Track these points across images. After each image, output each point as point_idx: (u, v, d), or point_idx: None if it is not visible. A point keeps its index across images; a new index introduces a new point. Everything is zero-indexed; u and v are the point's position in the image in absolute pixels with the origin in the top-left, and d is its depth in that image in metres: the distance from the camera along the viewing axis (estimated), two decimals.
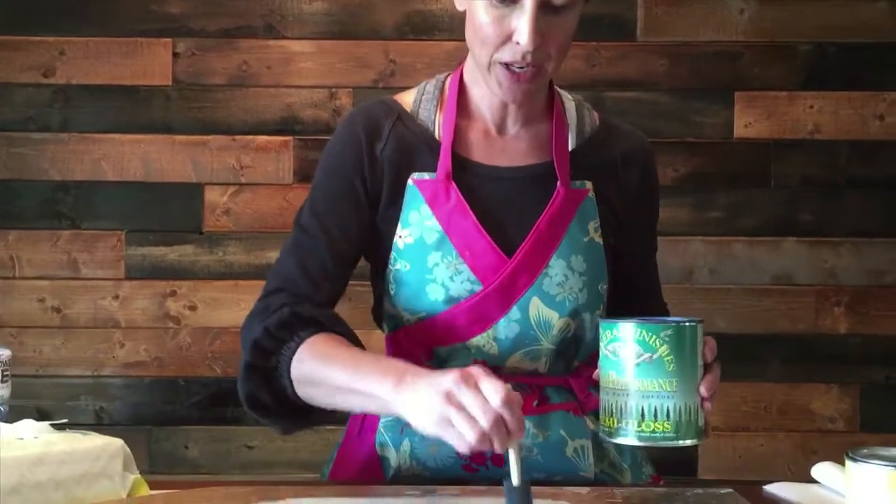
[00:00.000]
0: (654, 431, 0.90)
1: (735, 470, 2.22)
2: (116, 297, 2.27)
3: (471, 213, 1.14)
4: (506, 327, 1.13)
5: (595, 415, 1.19)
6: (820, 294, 2.28)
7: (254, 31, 2.26)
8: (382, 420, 1.18)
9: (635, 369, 0.90)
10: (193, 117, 2.28)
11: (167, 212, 2.27)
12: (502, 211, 1.16)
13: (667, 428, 0.90)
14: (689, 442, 0.92)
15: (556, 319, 1.14)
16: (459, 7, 1.14)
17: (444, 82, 1.22)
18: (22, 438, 1.01)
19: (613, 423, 0.92)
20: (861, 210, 2.29)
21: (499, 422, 0.84)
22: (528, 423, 1.12)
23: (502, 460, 1.11)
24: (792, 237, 2.29)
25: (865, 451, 0.82)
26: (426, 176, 1.16)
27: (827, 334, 2.27)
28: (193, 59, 2.27)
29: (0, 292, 2.25)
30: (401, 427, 1.15)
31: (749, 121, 2.28)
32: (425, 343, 1.16)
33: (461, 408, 0.86)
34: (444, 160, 1.15)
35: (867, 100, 2.28)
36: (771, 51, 2.27)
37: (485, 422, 0.84)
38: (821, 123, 2.29)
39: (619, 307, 1.22)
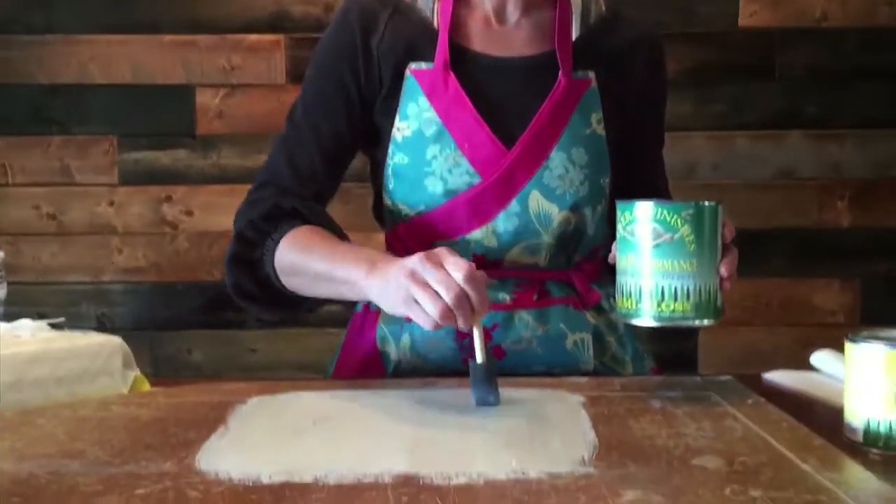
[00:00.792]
0: (673, 311, 0.90)
1: (735, 364, 2.24)
2: (112, 203, 2.25)
3: (469, 103, 1.11)
4: (505, 221, 1.12)
5: (596, 310, 1.19)
6: (823, 188, 2.26)
7: None
8: (382, 315, 1.18)
9: (655, 250, 0.89)
10: (181, 16, 2.22)
11: (158, 115, 2.23)
12: (502, 102, 1.13)
13: (686, 308, 0.90)
14: (706, 322, 0.91)
15: (556, 213, 1.12)
16: None
17: None
18: (19, 336, 1.01)
19: (631, 304, 0.92)
20: (868, 101, 2.25)
21: (462, 297, 0.85)
22: (527, 316, 1.12)
23: (502, 353, 1.12)
24: (796, 130, 2.25)
25: (866, 332, 0.82)
26: (424, 66, 1.13)
27: (829, 228, 2.26)
28: None
29: None
30: (400, 321, 1.15)
31: (755, 9, 2.21)
32: (424, 238, 1.15)
33: (425, 285, 0.86)
34: (442, 49, 1.12)
35: None
36: None
37: (448, 297, 0.84)
38: (829, 10, 2.22)
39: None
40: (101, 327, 2.22)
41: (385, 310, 0.94)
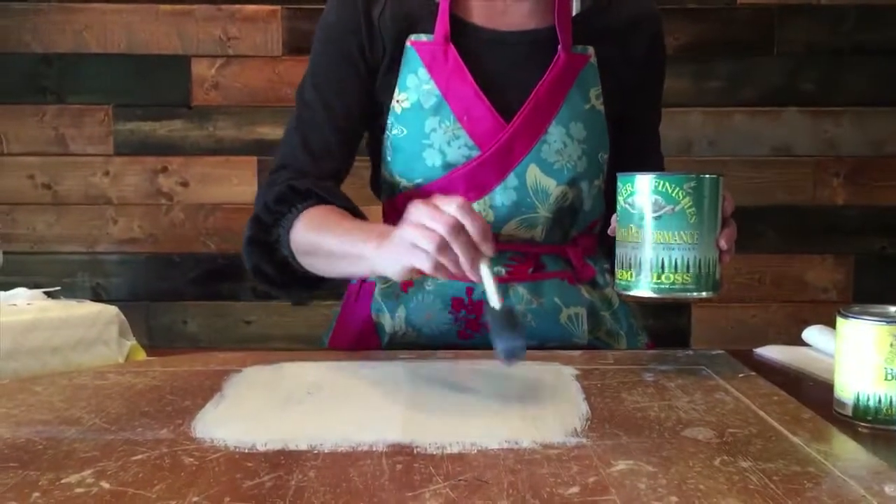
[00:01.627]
0: (673, 283, 0.90)
1: (727, 340, 2.26)
2: (107, 173, 2.25)
3: (469, 76, 1.10)
4: (502, 194, 1.12)
5: (591, 285, 1.19)
6: (819, 165, 2.27)
7: None
8: (378, 287, 1.19)
9: (656, 221, 0.89)
10: None
11: (154, 85, 2.22)
12: (502, 76, 1.13)
13: (686, 280, 0.90)
14: (705, 294, 0.92)
15: (553, 187, 1.12)
16: None
17: None
18: (15, 305, 1.02)
19: (631, 275, 0.92)
20: (865, 78, 2.25)
21: (457, 227, 0.81)
22: (522, 290, 1.13)
23: None
24: (793, 107, 2.25)
25: (857, 308, 0.82)
26: (424, 38, 1.12)
27: (824, 205, 2.27)
28: None
29: None
30: (396, 293, 1.16)
31: None
32: None
33: (420, 225, 0.83)
34: (442, 21, 1.11)
35: None
36: None
37: (441, 227, 0.81)
38: None
39: None
40: (97, 298, 2.22)
41: (392, 276, 0.90)
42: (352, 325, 1.22)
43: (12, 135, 2.23)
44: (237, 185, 2.25)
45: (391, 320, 1.16)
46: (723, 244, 0.92)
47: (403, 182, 1.15)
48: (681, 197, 0.89)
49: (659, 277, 0.90)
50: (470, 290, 1.12)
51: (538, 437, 0.72)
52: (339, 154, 1.17)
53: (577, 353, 1.04)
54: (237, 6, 2.21)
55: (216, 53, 2.22)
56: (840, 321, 0.82)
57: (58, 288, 1.12)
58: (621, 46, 1.18)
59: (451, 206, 0.83)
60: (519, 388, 0.88)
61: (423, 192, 1.13)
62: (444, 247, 0.82)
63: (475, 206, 1.12)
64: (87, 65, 2.22)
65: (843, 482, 0.63)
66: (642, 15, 1.20)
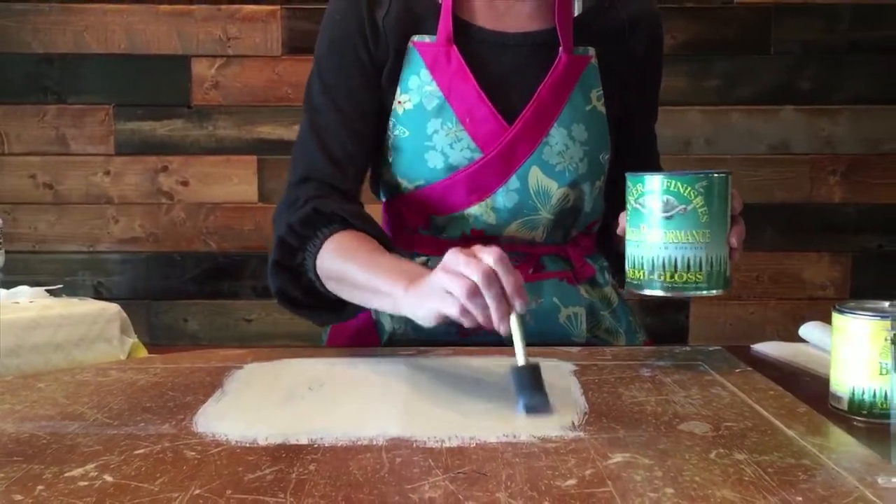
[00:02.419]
0: (686, 282, 0.91)
1: (726, 338, 2.27)
2: (108, 172, 2.26)
3: (472, 78, 1.10)
4: (504, 196, 1.12)
5: (590, 284, 1.20)
6: (816, 163, 2.28)
7: None
8: None
9: (668, 221, 0.90)
10: None
11: (154, 85, 2.23)
12: (504, 77, 1.13)
13: (699, 278, 0.91)
14: (715, 291, 0.92)
15: (555, 189, 1.13)
16: None
17: None
18: (18, 303, 1.02)
19: (643, 275, 0.92)
20: (861, 76, 2.26)
21: (490, 276, 0.79)
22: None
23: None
24: (790, 105, 2.26)
25: (853, 304, 0.83)
26: (427, 39, 1.12)
27: (821, 203, 2.28)
28: None
29: None
30: None
31: None
32: (423, 211, 1.15)
33: (454, 271, 0.82)
34: (445, 22, 1.12)
35: None
36: None
37: (475, 274, 0.79)
38: None
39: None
40: (98, 296, 2.23)
41: (419, 321, 0.87)
42: (351, 323, 1.23)
43: (13, 135, 2.24)
44: (237, 184, 2.26)
45: (391, 319, 1.17)
46: (733, 242, 0.92)
47: (405, 183, 1.15)
48: (692, 196, 0.89)
49: (672, 277, 0.91)
50: None
51: (536, 430, 0.73)
52: (358, 156, 1.15)
53: (575, 349, 1.05)
54: (237, 6, 2.21)
55: (216, 53, 2.23)
56: (836, 316, 0.83)
57: (60, 286, 1.12)
58: (622, 46, 1.18)
59: (489, 257, 0.81)
60: None
61: (424, 194, 1.14)
62: (474, 293, 0.79)
63: (477, 208, 1.13)
64: (88, 65, 2.22)
65: (837, 474, 0.64)
66: (642, 14, 1.21)
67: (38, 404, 0.83)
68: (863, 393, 0.80)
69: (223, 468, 0.65)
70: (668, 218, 0.90)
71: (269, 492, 0.61)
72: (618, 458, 0.67)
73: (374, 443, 0.71)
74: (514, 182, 1.12)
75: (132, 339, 1.07)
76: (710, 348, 1.04)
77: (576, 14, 1.16)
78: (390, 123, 1.14)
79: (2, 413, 0.80)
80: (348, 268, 1.01)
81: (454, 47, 1.11)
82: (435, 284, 0.83)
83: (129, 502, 0.59)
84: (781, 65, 2.25)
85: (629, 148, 1.24)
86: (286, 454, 0.68)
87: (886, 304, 0.83)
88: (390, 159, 1.15)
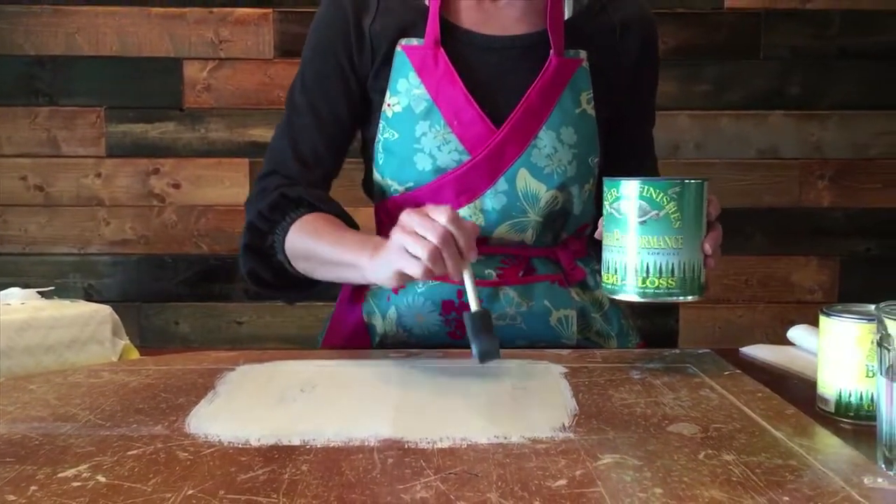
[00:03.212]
0: (658, 288, 0.91)
1: (715, 341, 2.28)
2: (99, 174, 2.25)
3: (459, 81, 1.11)
4: (493, 199, 1.13)
5: (581, 287, 1.20)
6: (805, 167, 2.29)
7: None
8: (370, 289, 1.20)
9: (642, 226, 0.90)
10: None
11: (146, 88, 2.23)
12: (492, 80, 1.13)
13: (671, 284, 0.91)
14: (690, 298, 0.93)
15: (543, 192, 1.13)
16: None
17: None
18: (9, 304, 1.02)
19: (616, 279, 0.93)
20: (850, 82, 2.28)
21: (448, 238, 0.87)
22: (512, 293, 1.14)
23: None
24: (779, 110, 2.28)
25: (839, 307, 0.84)
26: (415, 42, 1.13)
27: (810, 207, 2.30)
28: None
29: None
30: (387, 295, 1.17)
31: None
32: None
33: (413, 233, 0.88)
34: (433, 26, 1.12)
35: None
36: None
37: (434, 237, 0.87)
38: None
39: None
40: (89, 299, 2.22)
41: (383, 282, 0.96)
42: (344, 326, 1.23)
43: (4, 137, 2.24)
44: (229, 186, 2.26)
45: (382, 322, 1.18)
46: (707, 248, 0.93)
47: (395, 185, 1.16)
48: (665, 202, 0.89)
49: (644, 282, 0.91)
50: (460, 293, 1.13)
51: (527, 432, 0.73)
52: (327, 159, 1.19)
53: (566, 351, 1.06)
54: (229, 9, 2.22)
55: (208, 56, 2.23)
56: (823, 320, 0.84)
57: (51, 288, 1.12)
58: (614, 50, 1.18)
59: (442, 217, 0.88)
60: (508, 385, 0.89)
61: (413, 196, 1.14)
62: (436, 256, 0.87)
63: (465, 210, 1.13)
64: (80, 67, 2.22)
65: (824, 474, 0.65)
66: (635, 18, 1.20)
67: (29, 406, 0.83)
68: (850, 395, 0.81)
69: (216, 469, 0.66)
70: (641, 223, 0.90)
71: (262, 492, 0.61)
72: (607, 458, 0.68)
73: (366, 444, 0.71)
74: (502, 184, 1.12)
75: (124, 341, 1.07)
76: (700, 351, 1.05)
77: (566, 17, 1.17)
78: (380, 126, 1.15)
79: None
80: (316, 246, 1.08)
81: (441, 50, 1.12)
82: (396, 245, 0.90)
83: (123, 503, 0.60)
84: (771, 70, 2.26)
85: (624, 152, 1.24)
86: (279, 455, 0.69)
87: (873, 307, 0.84)
88: (380, 162, 1.16)
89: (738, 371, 0.96)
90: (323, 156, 1.18)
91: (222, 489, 0.62)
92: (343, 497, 0.60)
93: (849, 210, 2.30)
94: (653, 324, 2.29)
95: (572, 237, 1.20)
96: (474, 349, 0.88)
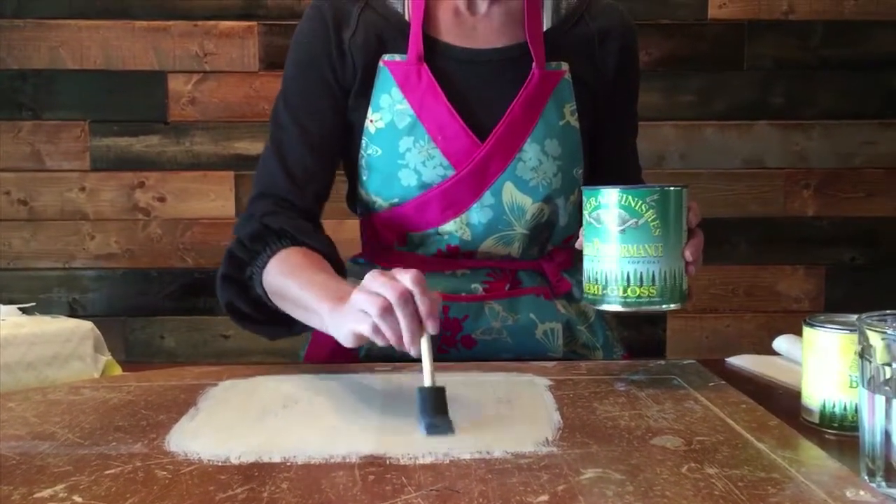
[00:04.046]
0: (639, 297, 0.90)
1: (702, 351, 2.28)
2: (83, 188, 2.24)
3: (443, 95, 1.11)
4: (479, 213, 1.12)
5: (567, 299, 1.20)
6: (789, 177, 2.30)
7: None
8: None
9: (621, 235, 0.90)
10: (152, 1, 2.21)
11: (130, 101, 2.22)
12: (475, 94, 1.13)
13: (652, 293, 0.90)
14: (672, 306, 0.92)
15: (529, 205, 1.13)
16: None
17: None
18: None
19: (598, 289, 0.92)
20: (833, 92, 2.29)
21: (405, 296, 0.79)
22: (498, 306, 1.14)
23: (473, 342, 1.13)
24: (763, 120, 2.29)
25: (822, 317, 0.84)
26: (397, 57, 1.13)
27: (795, 217, 2.31)
28: None
29: None
30: None
31: (724, 1, 2.24)
32: (398, 229, 1.15)
33: (372, 292, 0.81)
34: (415, 41, 1.12)
35: None
36: None
37: (391, 295, 0.79)
38: (795, 3, 2.26)
39: None
40: (73, 313, 2.22)
41: (341, 341, 0.87)
42: (328, 339, 1.22)
43: None
44: (214, 199, 2.25)
45: None
46: (688, 255, 0.92)
47: (379, 201, 1.15)
48: (644, 210, 0.89)
49: (625, 291, 0.91)
50: (446, 309, 1.12)
51: (510, 446, 0.73)
52: (318, 175, 1.16)
53: (550, 364, 1.05)
54: (213, 22, 2.21)
55: (193, 69, 2.22)
56: (806, 330, 0.84)
57: (32, 304, 1.11)
58: (593, 59, 1.18)
59: (405, 278, 0.81)
60: (492, 400, 0.88)
61: (399, 212, 1.14)
62: (387, 312, 0.80)
63: (451, 224, 1.13)
64: (63, 81, 2.22)
65: (807, 487, 0.64)
66: (613, 26, 1.20)
67: (8, 424, 0.82)
68: (833, 406, 0.81)
69: (194, 488, 0.65)
70: (620, 232, 0.90)
71: None
72: (590, 473, 0.67)
73: (348, 460, 0.70)
74: (487, 198, 1.12)
75: (106, 357, 1.06)
76: (685, 362, 1.05)
77: (545, 28, 1.17)
78: (363, 142, 1.14)
79: None
80: (288, 284, 1.02)
81: (425, 65, 1.11)
82: (353, 305, 0.83)
83: None
84: (755, 80, 2.28)
85: (608, 161, 1.24)
86: (259, 473, 0.68)
87: (855, 317, 0.84)
88: (364, 178, 1.15)
89: (723, 382, 0.95)
90: (313, 172, 1.15)
91: None
92: None
93: (834, 219, 2.31)
94: (640, 334, 2.29)
95: (558, 248, 1.20)
96: (421, 423, 0.79)
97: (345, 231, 1.25)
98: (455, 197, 1.12)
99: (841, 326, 0.81)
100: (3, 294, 2.18)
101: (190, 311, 2.27)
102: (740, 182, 2.28)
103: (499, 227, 1.13)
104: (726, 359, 1.12)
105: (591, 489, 0.64)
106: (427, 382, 0.81)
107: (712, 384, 0.95)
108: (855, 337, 0.79)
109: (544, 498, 0.62)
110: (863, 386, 0.68)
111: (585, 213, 0.94)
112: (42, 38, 2.20)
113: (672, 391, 0.92)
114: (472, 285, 1.14)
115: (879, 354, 0.66)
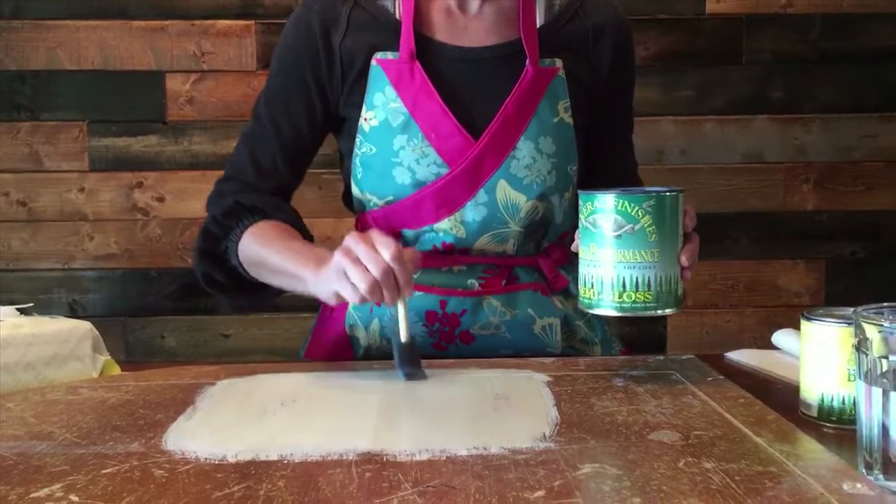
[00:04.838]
0: (634, 302, 0.90)
1: (703, 346, 2.28)
2: (82, 189, 2.24)
3: (436, 94, 1.11)
4: (473, 210, 1.12)
5: (564, 294, 1.20)
6: (789, 171, 2.30)
7: None
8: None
9: (617, 240, 0.89)
10: (150, 1, 2.21)
11: (128, 101, 2.22)
12: (469, 92, 1.13)
13: (647, 298, 0.90)
14: (668, 311, 0.92)
15: (523, 202, 1.13)
16: None
17: None
18: None
19: (593, 294, 0.92)
20: (832, 86, 2.29)
21: (389, 273, 0.91)
22: (495, 302, 1.14)
23: (470, 338, 1.13)
24: (763, 115, 2.28)
25: (821, 311, 0.84)
26: (390, 55, 1.12)
27: (795, 211, 2.30)
28: None
29: None
30: (370, 307, 1.16)
31: None
32: (393, 226, 1.15)
33: (356, 261, 0.91)
34: (407, 39, 1.12)
35: None
36: None
37: (376, 271, 0.90)
38: None
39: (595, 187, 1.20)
40: (74, 314, 2.22)
41: (324, 299, 0.98)
42: (326, 338, 1.23)
43: None
44: None
45: (366, 333, 1.17)
46: (684, 261, 0.92)
47: (374, 199, 1.15)
48: (640, 216, 0.89)
49: (620, 296, 0.90)
50: (444, 304, 1.13)
51: (507, 442, 0.73)
52: (284, 172, 1.20)
53: (549, 360, 1.05)
54: (211, 21, 2.21)
55: (190, 69, 2.22)
56: (804, 324, 0.83)
57: (31, 304, 1.12)
58: (587, 56, 1.18)
59: (387, 252, 0.91)
60: (490, 395, 0.88)
61: (393, 210, 1.14)
62: (374, 288, 0.91)
63: (446, 222, 1.13)
64: (61, 81, 2.22)
65: (804, 481, 0.64)
66: (607, 22, 1.19)
67: (6, 424, 0.82)
68: (832, 399, 0.81)
69: (191, 486, 0.65)
70: (616, 237, 0.89)
71: None
72: (587, 468, 0.67)
73: (345, 458, 0.70)
74: (482, 196, 1.12)
75: (104, 357, 1.07)
76: (683, 357, 1.05)
77: (539, 25, 1.16)
78: (357, 140, 1.14)
79: None
80: (265, 253, 1.10)
81: (417, 63, 1.11)
82: (336, 267, 0.93)
83: None
84: (754, 75, 2.27)
85: (603, 158, 1.24)
86: (255, 471, 0.68)
87: (853, 310, 0.83)
88: (359, 176, 1.16)
89: (722, 377, 0.95)
90: (280, 169, 1.19)
91: None
92: None
93: (834, 213, 2.30)
94: (641, 330, 2.29)
95: (553, 245, 1.20)
96: (400, 372, 0.96)
97: (343, 229, 1.25)
98: (449, 195, 1.12)
99: (839, 320, 0.81)
100: (4, 295, 2.18)
101: (190, 311, 2.27)
102: (740, 177, 2.28)
103: (493, 224, 1.13)
104: (725, 354, 1.12)
105: (587, 484, 0.64)
106: (403, 338, 0.95)
107: (711, 379, 0.94)
108: (852, 330, 0.78)
109: (541, 493, 0.62)
110: (860, 379, 0.68)
111: (581, 216, 0.93)
112: (40, 39, 2.20)
113: (670, 386, 0.92)
114: (469, 281, 1.14)
115: (876, 347, 0.66)
